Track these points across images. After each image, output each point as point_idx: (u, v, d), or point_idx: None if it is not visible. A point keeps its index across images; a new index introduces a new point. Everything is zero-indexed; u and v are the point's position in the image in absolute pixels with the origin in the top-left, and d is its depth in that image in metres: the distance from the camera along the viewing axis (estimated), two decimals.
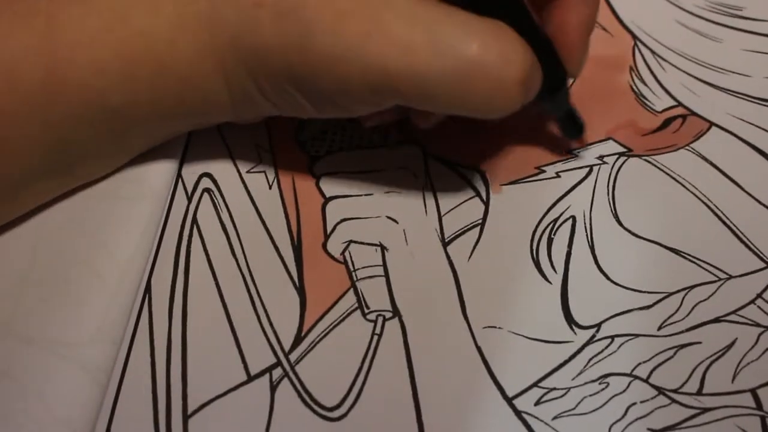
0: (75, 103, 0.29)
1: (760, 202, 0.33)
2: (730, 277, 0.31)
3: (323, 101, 0.29)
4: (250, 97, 0.30)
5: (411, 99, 0.28)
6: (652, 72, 0.37)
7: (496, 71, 0.27)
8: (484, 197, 0.34)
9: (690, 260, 0.32)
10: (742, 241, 0.32)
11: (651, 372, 0.29)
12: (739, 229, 0.32)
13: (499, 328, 0.31)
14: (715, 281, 0.31)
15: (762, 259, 0.31)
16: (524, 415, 0.29)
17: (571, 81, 0.34)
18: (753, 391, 0.29)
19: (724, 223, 0.32)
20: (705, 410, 0.28)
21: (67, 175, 0.32)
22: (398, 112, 0.32)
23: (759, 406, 0.28)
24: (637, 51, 0.38)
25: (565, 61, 0.31)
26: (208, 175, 0.35)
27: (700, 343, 0.30)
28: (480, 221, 0.33)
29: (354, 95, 0.28)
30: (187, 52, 0.29)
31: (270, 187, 0.34)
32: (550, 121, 0.35)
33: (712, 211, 0.33)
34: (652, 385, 0.29)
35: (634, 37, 0.38)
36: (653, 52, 0.38)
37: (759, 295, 0.31)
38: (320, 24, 0.27)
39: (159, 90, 0.29)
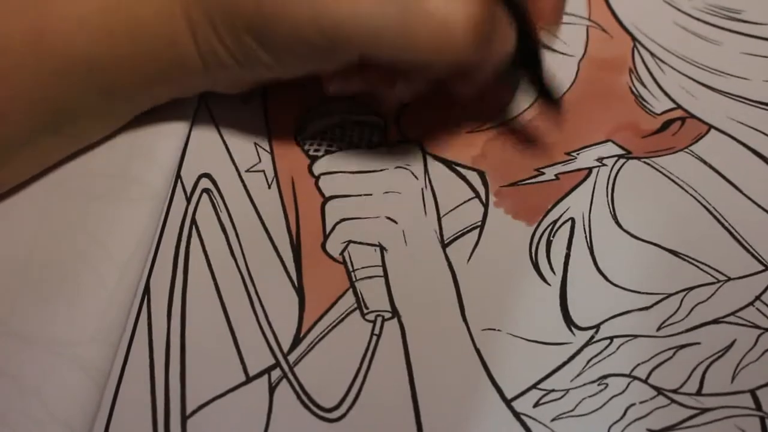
0: (61, 59, 0.30)
1: (758, 205, 0.33)
2: (729, 279, 0.31)
3: (282, 53, 0.30)
4: (215, 53, 0.30)
5: (360, 45, 0.28)
6: (651, 74, 0.37)
7: (439, 14, 0.27)
8: (484, 199, 0.34)
9: (689, 262, 0.32)
10: (740, 244, 0.32)
11: (650, 372, 0.29)
12: (737, 232, 0.32)
13: (498, 330, 0.31)
14: (713, 283, 0.31)
15: (760, 262, 0.32)
16: (523, 417, 0.29)
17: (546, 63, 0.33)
18: (752, 392, 0.29)
19: (723, 225, 0.33)
20: (704, 410, 0.28)
21: (59, 136, 0.32)
22: (363, 82, 0.32)
23: (758, 406, 0.28)
24: (636, 53, 0.38)
25: (541, 17, 0.31)
26: (207, 175, 0.34)
27: (699, 343, 0.30)
28: (479, 223, 0.33)
29: (308, 43, 0.28)
30: (157, 3, 0.30)
31: (269, 186, 0.34)
32: (549, 122, 0.35)
33: (711, 213, 0.33)
34: (652, 386, 0.29)
35: (634, 38, 0.38)
36: (652, 54, 0.38)
37: (758, 297, 0.31)
38: None
39: (136, 45, 0.30)
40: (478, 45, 0.28)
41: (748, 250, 0.32)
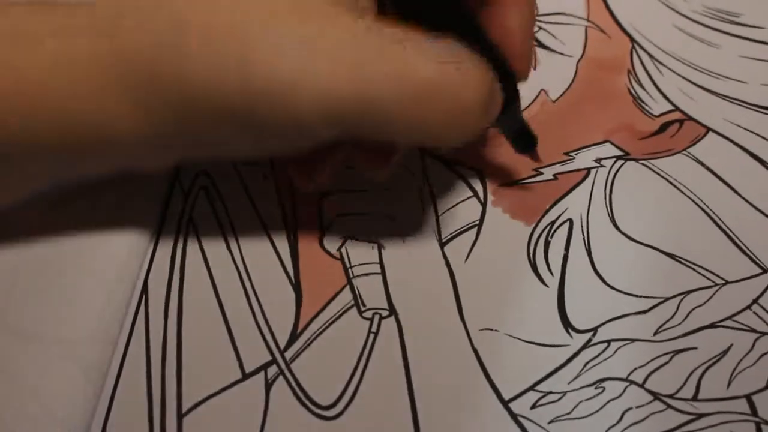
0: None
1: (756, 208, 0.33)
2: (726, 282, 0.31)
3: (266, 135, 0.26)
4: (169, 147, 0.27)
5: (365, 127, 0.25)
6: (649, 75, 0.37)
7: (455, 94, 0.25)
8: (482, 198, 0.34)
9: (686, 265, 0.32)
10: (738, 247, 0.32)
11: (647, 377, 0.29)
12: (735, 235, 0.32)
13: (496, 330, 0.31)
14: (711, 286, 0.31)
15: (758, 265, 0.32)
16: (520, 419, 0.29)
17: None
18: (748, 397, 0.29)
19: (721, 228, 0.33)
20: (700, 416, 0.29)
21: None
22: (338, 168, 0.31)
23: (754, 412, 0.29)
24: (635, 54, 0.38)
25: (513, 66, 0.29)
26: (205, 172, 0.34)
27: (695, 348, 0.30)
28: (477, 222, 0.33)
29: (303, 125, 0.25)
30: (85, 89, 0.25)
31: (265, 179, 0.34)
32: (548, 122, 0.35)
33: (709, 216, 0.33)
34: (648, 391, 0.29)
35: (632, 40, 0.38)
36: (651, 56, 0.38)
37: (755, 301, 0.31)
38: (261, 47, 0.24)
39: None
40: (487, 119, 0.27)
41: (745, 253, 0.32)
